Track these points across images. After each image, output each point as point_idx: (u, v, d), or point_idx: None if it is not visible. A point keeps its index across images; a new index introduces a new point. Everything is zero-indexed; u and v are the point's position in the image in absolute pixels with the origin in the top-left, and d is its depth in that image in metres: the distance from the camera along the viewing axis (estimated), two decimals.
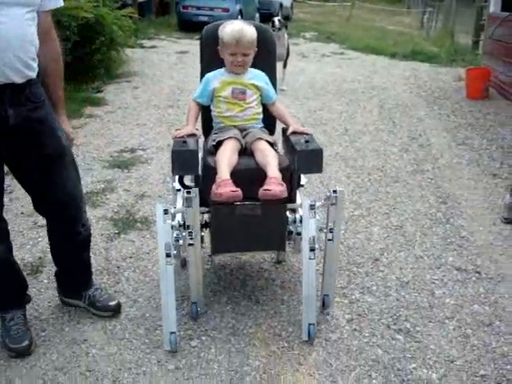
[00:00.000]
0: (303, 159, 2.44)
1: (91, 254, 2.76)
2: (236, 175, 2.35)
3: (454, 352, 2.46)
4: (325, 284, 2.67)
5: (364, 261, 3.23)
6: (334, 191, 2.44)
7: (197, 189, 2.36)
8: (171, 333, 2.36)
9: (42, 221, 3.49)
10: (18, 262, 2.60)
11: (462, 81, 8.28)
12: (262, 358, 2.39)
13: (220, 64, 2.72)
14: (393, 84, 8.48)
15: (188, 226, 2.36)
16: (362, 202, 4.05)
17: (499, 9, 8.57)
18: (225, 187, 2.27)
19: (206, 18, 13.66)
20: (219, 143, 2.50)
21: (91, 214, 3.58)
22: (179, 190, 2.75)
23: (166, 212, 2.35)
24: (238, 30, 2.59)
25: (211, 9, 14.53)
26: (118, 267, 3.09)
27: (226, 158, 2.40)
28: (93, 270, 2.80)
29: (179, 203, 2.71)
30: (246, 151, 2.54)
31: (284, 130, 2.78)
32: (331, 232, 2.49)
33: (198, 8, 14.65)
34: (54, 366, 2.33)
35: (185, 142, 2.44)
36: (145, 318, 2.65)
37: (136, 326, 2.59)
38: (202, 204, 2.42)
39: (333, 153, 5.11)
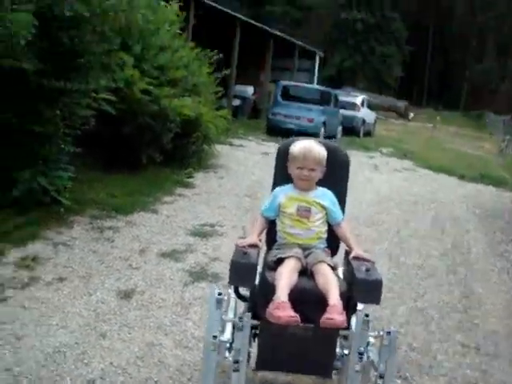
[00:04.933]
0: (362, 288, 2.41)
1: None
2: (294, 295, 2.34)
3: None
4: None
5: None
6: (388, 332, 2.40)
7: (249, 315, 2.40)
8: None
9: (136, 264, 4.57)
10: (114, 289, 3.58)
11: None
12: None
13: (289, 180, 2.82)
14: (453, 200, 9.19)
15: (237, 352, 2.38)
16: (395, 287, 4.76)
17: None
18: (284, 311, 2.25)
19: (292, 126, 15.20)
20: (280, 260, 2.52)
21: (174, 266, 4.58)
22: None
23: (218, 301, 2.44)
24: (306, 145, 2.74)
25: (297, 118, 15.90)
26: (190, 304, 4.00)
27: (287, 278, 2.39)
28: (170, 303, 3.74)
29: (230, 313, 2.71)
30: (306, 271, 2.53)
31: (347, 253, 2.75)
32: (381, 378, 2.41)
33: (286, 116, 16.07)
34: None
35: (245, 253, 2.46)
36: None
37: None
38: (253, 316, 2.44)
39: (382, 249, 5.87)
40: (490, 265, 5.77)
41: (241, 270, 2.42)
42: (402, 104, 30.19)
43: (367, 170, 11.43)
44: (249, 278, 2.43)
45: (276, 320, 2.26)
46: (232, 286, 2.74)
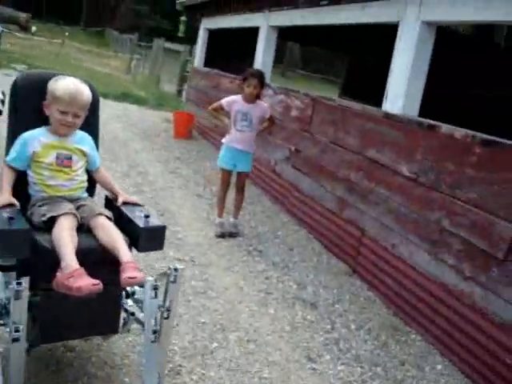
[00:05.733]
0: (146, 237, 2.29)
1: None
2: (79, 257, 2.06)
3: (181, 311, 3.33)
4: (159, 366, 2.43)
5: None
6: (175, 269, 2.28)
7: (28, 278, 1.98)
8: None
9: None
10: None
11: (169, 123, 9.57)
12: None
13: (38, 122, 2.42)
14: (109, 120, 9.30)
15: (14, 322, 1.98)
16: None
17: (202, 64, 10.21)
18: (82, 279, 1.99)
19: None
20: (52, 219, 2.18)
21: None
22: None
23: None
24: (72, 86, 2.38)
25: None
26: None
27: (70, 242, 2.09)
28: None
29: None
30: (81, 227, 2.25)
31: (110, 199, 2.59)
32: (168, 310, 2.32)
33: None
34: None
35: (11, 218, 2.07)
36: None
37: None
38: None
39: None
40: (169, 182, 6.16)
41: (12, 239, 2.03)
42: (23, 16, 27.99)
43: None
44: (22, 247, 2.05)
45: (76, 291, 1.97)
46: None
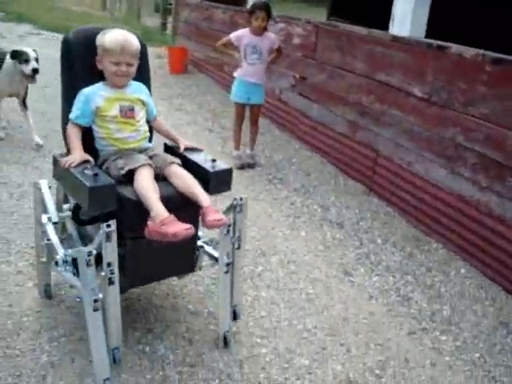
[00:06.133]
0: (216, 180, 2.39)
1: None
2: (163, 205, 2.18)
3: None
4: (234, 294, 2.65)
5: None
6: (241, 199, 2.44)
7: (114, 221, 2.09)
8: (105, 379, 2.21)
9: None
10: None
11: (161, 58, 9.52)
12: None
13: (94, 78, 2.45)
14: None
15: (109, 264, 2.12)
16: None
17: None
18: (175, 225, 2.09)
19: None
20: (130, 172, 2.25)
21: None
22: (56, 222, 2.52)
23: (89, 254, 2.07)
24: (121, 36, 2.40)
25: None
26: None
27: (154, 192, 2.18)
28: None
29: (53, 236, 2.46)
30: (157, 176, 2.32)
31: (168, 146, 2.65)
32: (239, 240, 2.50)
33: None
34: None
35: (96, 174, 2.15)
36: None
37: None
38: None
39: None
40: (178, 119, 6.31)
41: (100, 195, 2.12)
42: None
43: None
44: (110, 201, 2.14)
45: (173, 237, 2.07)
46: (53, 210, 2.53)
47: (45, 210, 2.57)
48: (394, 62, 4.32)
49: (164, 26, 13.00)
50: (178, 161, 2.42)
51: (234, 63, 5.03)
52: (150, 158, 2.39)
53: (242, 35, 4.76)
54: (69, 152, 2.39)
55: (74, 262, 2.19)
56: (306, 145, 5.59)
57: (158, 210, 2.13)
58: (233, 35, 4.80)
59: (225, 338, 2.59)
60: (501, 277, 3.39)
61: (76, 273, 2.20)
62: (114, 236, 2.10)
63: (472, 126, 3.60)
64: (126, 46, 2.39)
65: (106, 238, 2.08)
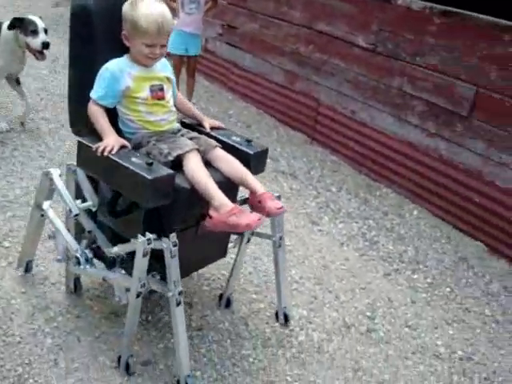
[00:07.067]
0: (257, 162, 2.29)
1: None
2: None
3: None
4: (282, 296, 2.60)
5: None
6: (279, 196, 2.31)
7: (175, 234, 1.99)
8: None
9: None
10: None
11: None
12: None
13: (117, 51, 2.14)
14: None
15: (175, 283, 2.02)
16: None
17: None
18: (246, 216, 1.93)
19: None
20: (178, 157, 2.04)
21: None
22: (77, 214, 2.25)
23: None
24: (158, 15, 2.05)
25: None
26: None
27: (210, 179, 2.00)
28: None
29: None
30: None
31: (187, 124, 2.42)
32: (281, 239, 2.46)
33: None
34: None
35: (150, 163, 1.93)
36: None
37: None
38: (152, 231, 2.00)
39: None
40: None
41: (162, 187, 1.93)
42: None
43: None
44: (169, 193, 1.96)
45: (247, 228, 1.95)
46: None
47: (47, 198, 2.40)
48: (336, 12, 4.38)
49: None
50: (217, 143, 2.23)
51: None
52: (191, 140, 2.17)
53: None
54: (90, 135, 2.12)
55: (123, 260, 2.13)
56: (240, 96, 5.58)
57: (221, 199, 1.97)
58: None
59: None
60: (452, 217, 3.69)
61: (128, 271, 2.11)
62: (175, 250, 1.98)
63: (420, 75, 3.79)
64: (164, 27, 2.06)
65: (171, 255, 1.95)
